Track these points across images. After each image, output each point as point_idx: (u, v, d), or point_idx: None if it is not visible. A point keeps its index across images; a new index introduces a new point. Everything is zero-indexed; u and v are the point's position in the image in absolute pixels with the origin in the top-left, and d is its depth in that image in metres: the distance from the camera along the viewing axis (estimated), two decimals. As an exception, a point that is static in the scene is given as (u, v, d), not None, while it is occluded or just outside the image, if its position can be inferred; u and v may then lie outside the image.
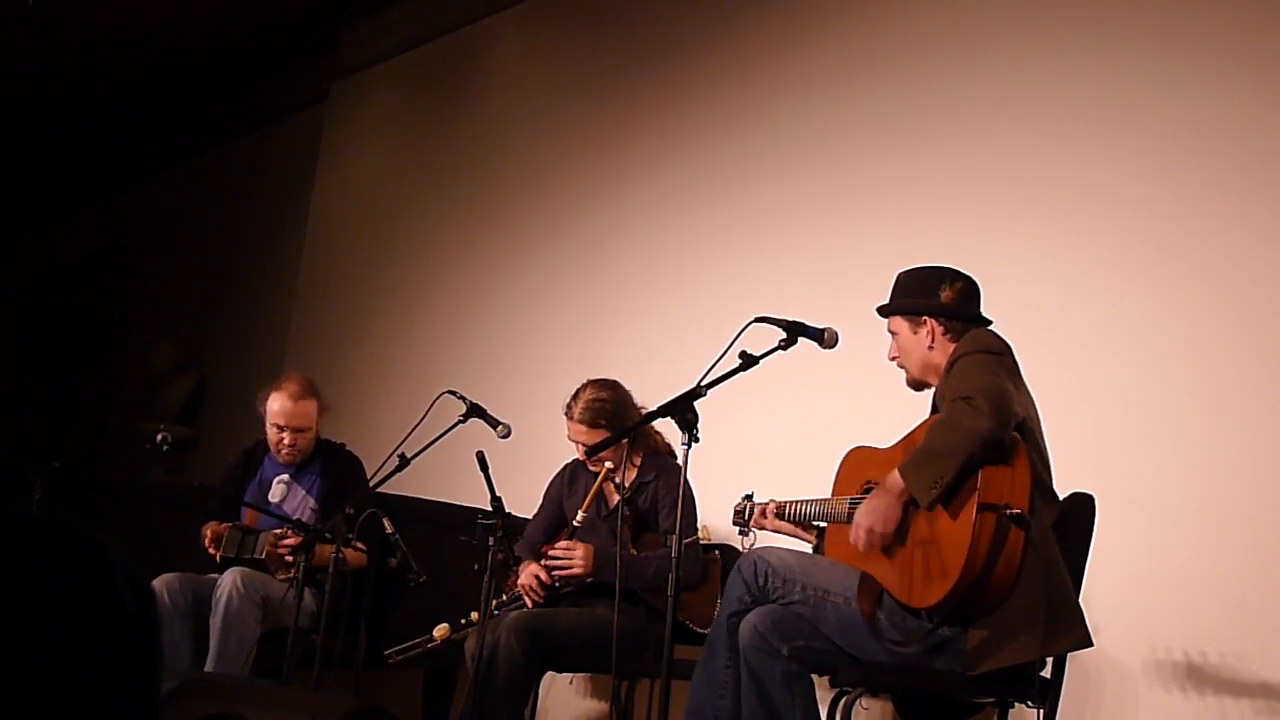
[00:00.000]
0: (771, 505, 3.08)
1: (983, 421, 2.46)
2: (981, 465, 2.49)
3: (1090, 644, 2.58)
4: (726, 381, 2.68)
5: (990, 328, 2.83)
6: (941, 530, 2.54)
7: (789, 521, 3.04)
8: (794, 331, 2.69)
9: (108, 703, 0.89)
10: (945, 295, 2.84)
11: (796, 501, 3.04)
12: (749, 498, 3.18)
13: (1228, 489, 3.15)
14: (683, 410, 2.64)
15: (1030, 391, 2.73)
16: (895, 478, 2.56)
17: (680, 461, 3.64)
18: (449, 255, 6.04)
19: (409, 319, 6.16)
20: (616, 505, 3.65)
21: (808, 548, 3.01)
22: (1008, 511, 2.48)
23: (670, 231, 4.91)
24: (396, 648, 3.67)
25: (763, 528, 3.11)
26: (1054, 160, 3.73)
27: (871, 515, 2.59)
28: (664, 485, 3.63)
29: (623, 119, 5.30)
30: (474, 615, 3.49)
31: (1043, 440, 2.69)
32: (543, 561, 3.60)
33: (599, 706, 4.40)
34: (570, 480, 3.84)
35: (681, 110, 5.02)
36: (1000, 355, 2.67)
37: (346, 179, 7.02)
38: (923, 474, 2.50)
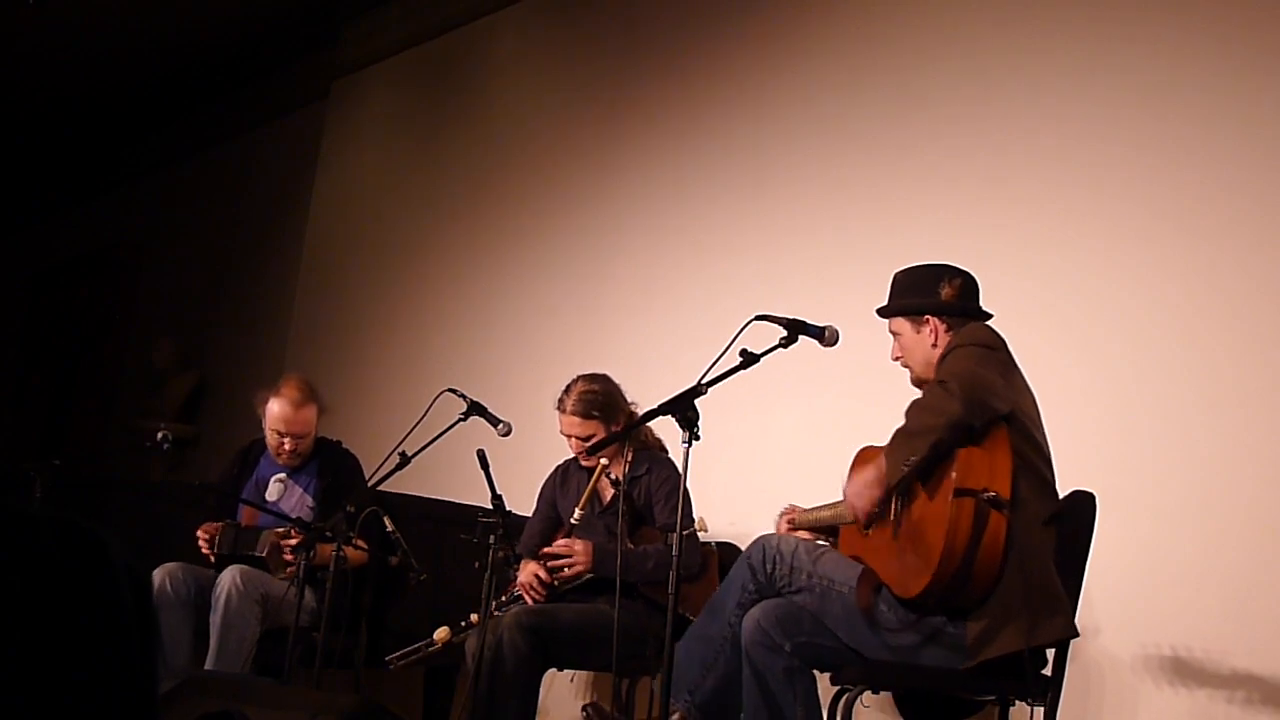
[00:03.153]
0: (784, 520, 3.12)
1: (953, 404, 2.49)
2: (951, 448, 2.51)
3: (1075, 634, 2.58)
4: (727, 379, 2.68)
5: (989, 322, 2.84)
6: (924, 518, 2.57)
7: (806, 529, 3.08)
8: (794, 329, 2.69)
9: (107, 698, 0.88)
10: (945, 293, 2.85)
11: (812, 509, 3.09)
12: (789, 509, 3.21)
13: (1229, 487, 3.15)
14: (683, 408, 2.64)
15: (1030, 386, 2.73)
16: (881, 458, 2.61)
17: (673, 456, 3.68)
18: (449, 253, 6.04)
19: (409, 317, 6.16)
20: (610, 502, 3.66)
21: None
22: (985, 495, 2.48)
23: (670, 229, 4.90)
24: (397, 653, 3.66)
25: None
26: (1055, 157, 3.73)
27: (853, 488, 2.67)
28: (657, 479, 3.64)
29: (623, 117, 5.30)
30: (474, 617, 3.49)
31: (1041, 434, 2.69)
32: (542, 561, 3.61)
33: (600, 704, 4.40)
34: (563, 480, 3.85)
35: (681, 108, 5.02)
36: (993, 349, 2.68)
37: (347, 177, 7.02)
38: (897, 453, 2.54)
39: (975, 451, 2.53)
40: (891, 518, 2.71)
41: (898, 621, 2.63)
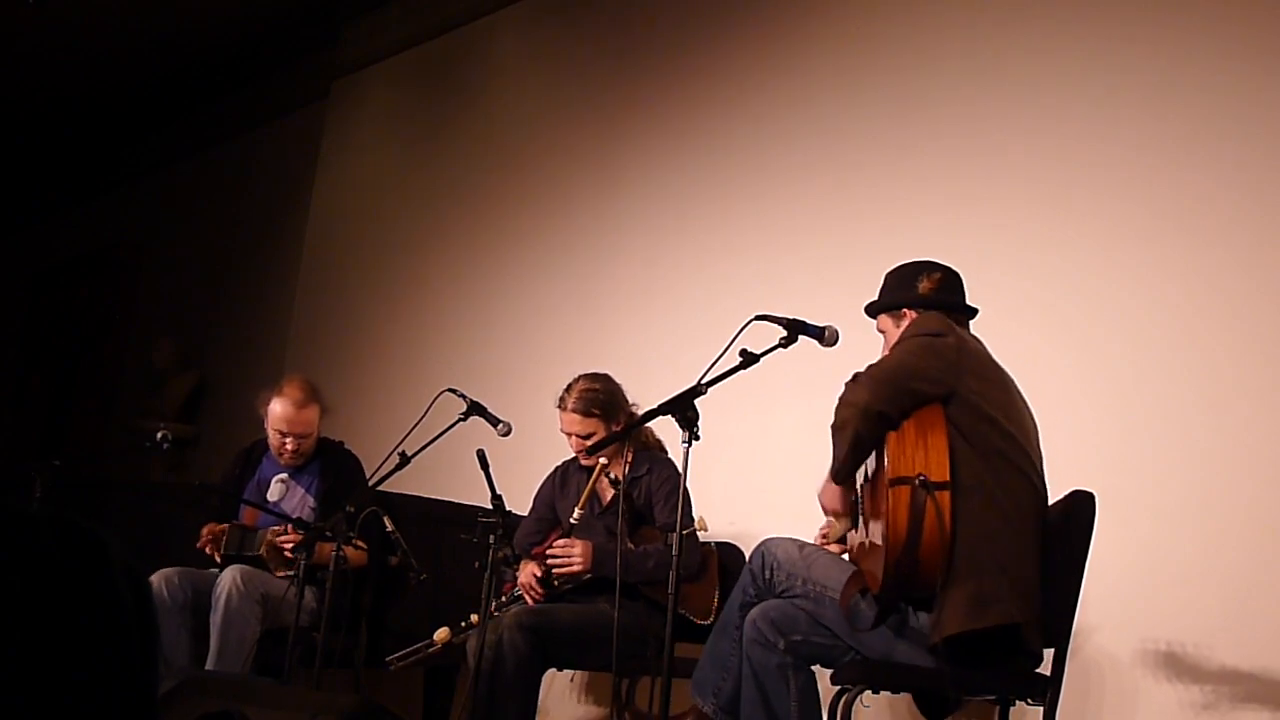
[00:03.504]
0: (824, 530, 3.14)
1: (859, 394, 2.56)
2: (874, 437, 2.58)
3: (1015, 619, 2.51)
4: (727, 379, 2.69)
5: (972, 319, 2.86)
6: (875, 512, 2.62)
7: (839, 543, 3.09)
8: (794, 329, 2.71)
9: (106, 698, 0.89)
10: (923, 287, 2.87)
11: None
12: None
13: (1229, 486, 3.15)
14: (683, 408, 2.65)
15: (1002, 372, 2.71)
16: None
17: (673, 456, 3.69)
18: (449, 253, 6.04)
19: (409, 317, 6.16)
20: (610, 503, 3.66)
21: None
22: (918, 480, 2.50)
23: (670, 229, 4.91)
24: (397, 654, 3.66)
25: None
26: (1054, 156, 3.73)
27: (821, 496, 2.82)
28: (657, 479, 3.65)
29: (623, 117, 5.30)
30: (474, 618, 3.49)
31: (1007, 418, 2.65)
32: (542, 560, 3.62)
33: (600, 705, 4.40)
34: (562, 482, 3.85)
35: (681, 108, 5.02)
36: (938, 336, 2.69)
37: (347, 177, 7.02)
38: (833, 451, 2.64)
39: (907, 437, 2.55)
40: (861, 516, 2.76)
41: (872, 620, 2.66)
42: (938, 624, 2.52)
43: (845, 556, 2.97)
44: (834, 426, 2.64)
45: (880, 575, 2.54)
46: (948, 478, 2.51)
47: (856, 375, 2.63)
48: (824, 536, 3.10)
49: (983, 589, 2.50)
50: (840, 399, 2.64)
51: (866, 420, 2.55)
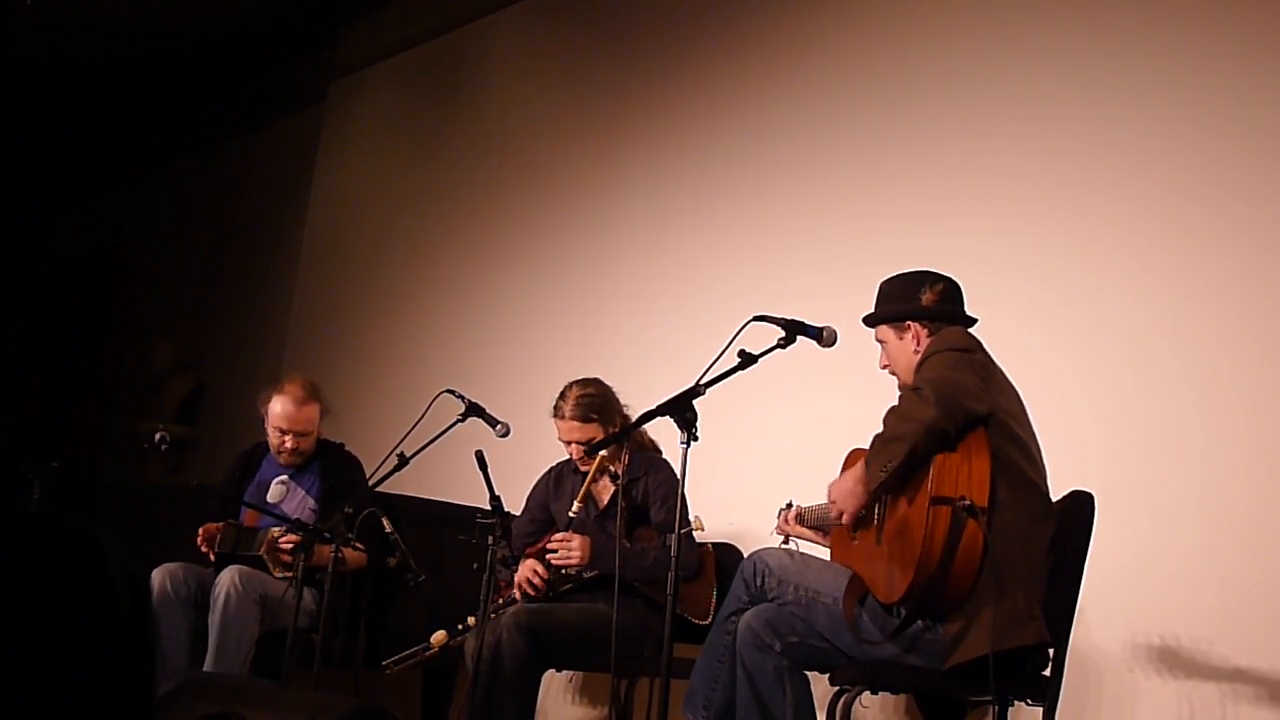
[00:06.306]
0: (792, 512, 3.17)
1: (927, 410, 2.51)
2: (928, 454, 2.53)
3: (1046, 640, 2.57)
4: (725, 380, 2.69)
5: (970, 328, 2.85)
6: (904, 525, 2.59)
7: (809, 527, 3.12)
8: (792, 330, 2.70)
9: (105, 698, 0.89)
10: (926, 298, 2.86)
11: (813, 506, 3.11)
12: (788, 506, 3.22)
13: (1228, 487, 3.15)
14: (682, 409, 2.65)
15: (1014, 386, 2.74)
16: (863, 462, 2.64)
17: (668, 457, 3.70)
18: (448, 254, 6.04)
19: (408, 318, 6.16)
20: (607, 505, 3.66)
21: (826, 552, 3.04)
22: (961, 503, 2.50)
23: (669, 230, 4.91)
24: (394, 658, 3.66)
25: (789, 534, 3.18)
26: (1053, 158, 3.73)
27: (839, 491, 2.71)
28: (654, 481, 3.66)
29: (621, 118, 5.30)
30: (470, 620, 3.50)
31: (1026, 434, 2.69)
32: (539, 556, 3.62)
33: (598, 706, 4.40)
34: (556, 483, 3.86)
35: (680, 109, 5.02)
36: (968, 352, 2.69)
37: (345, 179, 7.03)
38: (876, 459, 2.57)
39: (952, 458, 2.55)
40: (875, 523, 2.74)
41: (879, 633, 2.66)
42: (962, 642, 2.52)
43: (827, 554, 2.99)
44: (886, 436, 2.56)
45: (898, 587, 2.55)
46: (987, 503, 2.52)
47: (918, 389, 2.57)
48: (797, 516, 3.12)
49: (1015, 610, 2.51)
50: (897, 410, 2.58)
51: (930, 437, 2.51)
